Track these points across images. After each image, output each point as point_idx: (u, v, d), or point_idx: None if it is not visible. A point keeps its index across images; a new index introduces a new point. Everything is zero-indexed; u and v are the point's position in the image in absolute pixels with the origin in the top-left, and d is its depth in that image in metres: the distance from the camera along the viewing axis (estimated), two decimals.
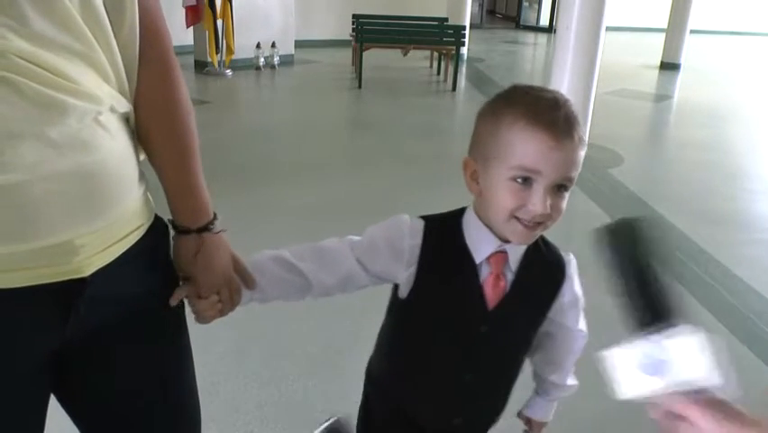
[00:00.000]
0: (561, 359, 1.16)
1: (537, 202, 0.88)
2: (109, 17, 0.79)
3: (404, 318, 1.07)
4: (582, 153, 0.90)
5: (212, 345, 2.33)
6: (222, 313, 0.99)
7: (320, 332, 2.49)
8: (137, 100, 0.87)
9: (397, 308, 1.06)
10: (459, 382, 1.05)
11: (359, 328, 2.42)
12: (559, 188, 0.90)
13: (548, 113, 0.87)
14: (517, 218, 0.90)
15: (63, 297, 0.81)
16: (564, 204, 0.92)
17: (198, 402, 1.07)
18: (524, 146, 0.87)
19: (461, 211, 1.02)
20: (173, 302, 0.96)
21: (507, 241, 0.96)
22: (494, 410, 1.15)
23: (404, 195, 3.96)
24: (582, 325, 1.12)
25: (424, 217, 1.02)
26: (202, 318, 0.99)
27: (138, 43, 0.84)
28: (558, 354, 1.15)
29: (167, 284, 0.96)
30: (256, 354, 2.36)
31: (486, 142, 0.93)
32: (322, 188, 4.20)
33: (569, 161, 0.88)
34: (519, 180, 0.88)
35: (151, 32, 0.86)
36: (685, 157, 5.54)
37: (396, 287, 1.06)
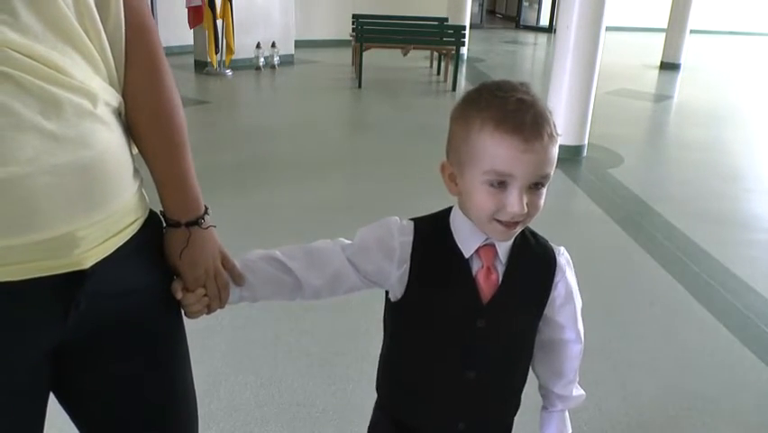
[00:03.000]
0: (559, 366, 1.14)
1: (514, 203, 0.89)
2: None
3: (401, 320, 1.07)
4: (555, 149, 0.91)
5: (212, 345, 2.34)
6: (209, 309, 1.00)
7: (320, 332, 2.49)
8: (125, 95, 0.88)
9: (393, 311, 1.07)
10: (462, 380, 1.04)
11: (359, 328, 2.42)
12: (535, 185, 0.91)
13: (515, 115, 0.88)
14: (497, 220, 0.92)
15: (64, 290, 0.81)
16: (542, 201, 0.93)
17: (196, 400, 1.08)
18: (494, 151, 0.88)
19: (448, 210, 1.03)
20: (177, 296, 0.96)
21: None
22: (499, 416, 1.13)
23: (404, 195, 3.96)
24: (579, 327, 1.11)
25: (413, 219, 1.04)
26: (189, 313, 1.00)
27: (124, 38, 0.85)
28: (556, 361, 1.14)
29: (165, 280, 0.97)
30: (256, 354, 2.36)
31: (459, 147, 0.94)
32: (321, 189, 4.20)
33: (541, 161, 0.89)
34: (494, 184, 0.90)
35: (137, 27, 0.87)
36: (685, 157, 5.54)
37: (387, 293, 1.06)
